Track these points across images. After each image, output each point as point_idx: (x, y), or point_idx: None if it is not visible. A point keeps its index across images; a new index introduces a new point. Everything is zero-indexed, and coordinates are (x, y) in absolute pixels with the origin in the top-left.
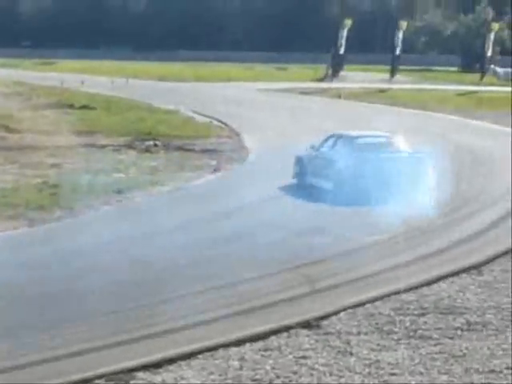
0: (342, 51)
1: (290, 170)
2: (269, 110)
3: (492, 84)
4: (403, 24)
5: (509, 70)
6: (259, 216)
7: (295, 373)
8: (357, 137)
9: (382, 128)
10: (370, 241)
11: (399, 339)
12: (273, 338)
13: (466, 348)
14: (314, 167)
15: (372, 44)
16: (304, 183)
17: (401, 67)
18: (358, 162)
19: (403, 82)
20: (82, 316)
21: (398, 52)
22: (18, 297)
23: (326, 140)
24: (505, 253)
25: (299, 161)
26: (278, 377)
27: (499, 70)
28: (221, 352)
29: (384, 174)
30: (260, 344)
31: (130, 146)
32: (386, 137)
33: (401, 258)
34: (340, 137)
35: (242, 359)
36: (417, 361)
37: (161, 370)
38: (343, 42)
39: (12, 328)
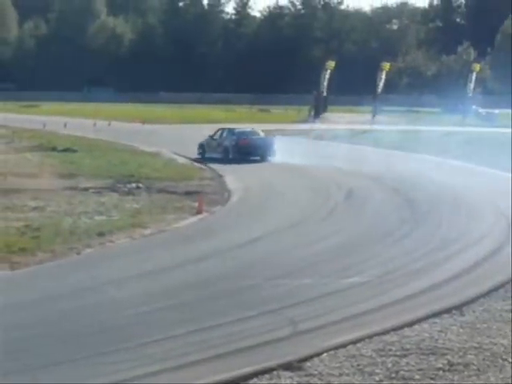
0: (324, 93)
1: (273, 210)
2: None
3: (476, 125)
4: (386, 65)
5: (492, 111)
6: (236, 258)
7: None
8: (234, 128)
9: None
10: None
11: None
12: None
13: None
14: (211, 147)
15: (355, 85)
16: (203, 157)
17: (383, 108)
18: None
19: (385, 123)
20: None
21: (379, 93)
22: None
23: (217, 131)
24: None
25: (201, 145)
26: None
27: (481, 110)
28: None
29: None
30: None
31: (112, 189)
32: (252, 128)
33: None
34: (225, 129)
35: None
36: None
37: None
38: (326, 83)
39: None
